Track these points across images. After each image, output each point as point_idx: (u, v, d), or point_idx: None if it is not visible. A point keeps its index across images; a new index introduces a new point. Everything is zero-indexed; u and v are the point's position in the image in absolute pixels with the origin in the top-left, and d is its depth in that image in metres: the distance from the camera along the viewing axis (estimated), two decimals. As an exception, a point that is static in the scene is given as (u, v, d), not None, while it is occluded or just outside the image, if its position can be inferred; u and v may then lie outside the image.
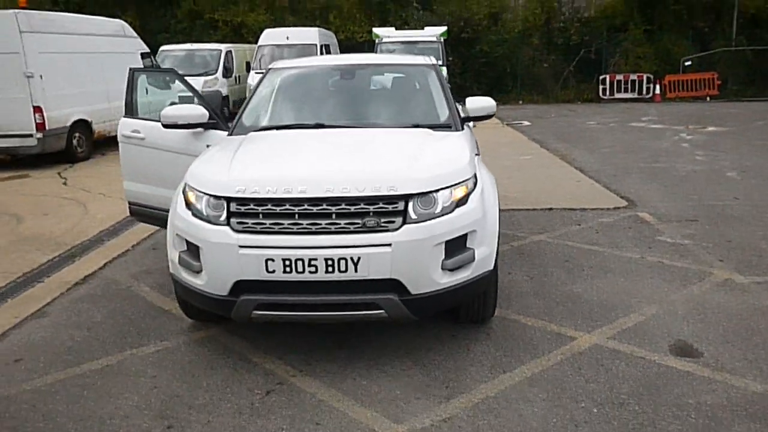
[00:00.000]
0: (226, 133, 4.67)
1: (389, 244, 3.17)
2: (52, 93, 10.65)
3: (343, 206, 3.21)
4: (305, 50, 18.76)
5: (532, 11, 25.09)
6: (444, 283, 3.32)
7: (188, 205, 3.53)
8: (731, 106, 20.04)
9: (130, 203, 5.33)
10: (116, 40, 13.09)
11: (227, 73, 18.73)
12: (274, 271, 3.20)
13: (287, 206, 3.23)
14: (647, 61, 23.20)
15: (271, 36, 18.86)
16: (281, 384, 3.36)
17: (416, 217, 3.25)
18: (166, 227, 5.28)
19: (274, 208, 3.24)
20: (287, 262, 3.18)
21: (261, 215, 3.25)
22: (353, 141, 4.01)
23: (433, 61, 5.05)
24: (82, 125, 11.49)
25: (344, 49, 21.98)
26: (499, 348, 3.72)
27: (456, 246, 3.37)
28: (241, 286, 3.28)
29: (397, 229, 3.21)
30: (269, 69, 5.10)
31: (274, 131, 4.28)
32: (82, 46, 11.63)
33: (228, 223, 3.29)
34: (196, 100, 5.02)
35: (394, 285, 3.23)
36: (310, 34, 19.05)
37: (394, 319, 3.31)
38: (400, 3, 26.02)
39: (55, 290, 4.90)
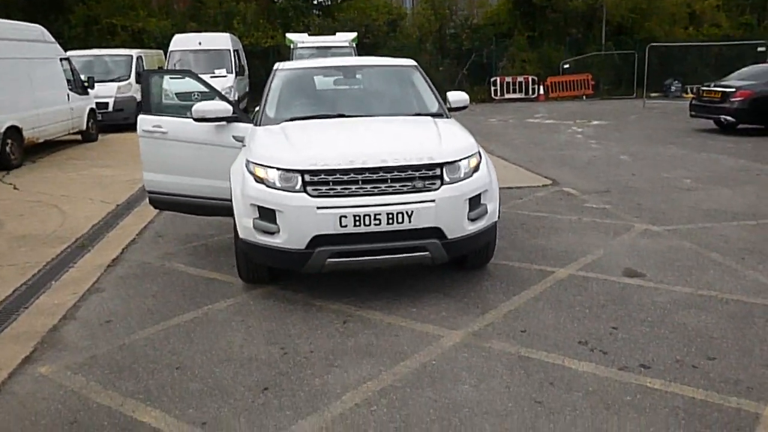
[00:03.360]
0: (248, 125, 5.41)
1: (433, 200, 4.19)
2: (-15, 99, 10.50)
3: (395, 173, 4.18)
4: (218, 55, 19.09)
5: (426, 18, 26.91)
6: (469, 230, 4.39)
7: (259, 180, 4.32)
8: (605, 103, 22.87)
9: (150, 192, 5.89)
10: (38, 46, 12.92)
11: (139, 78, 18.62)
12: (346, 226, 4.10)
13: (352, 175, 4.15)
14: (531, 65, 25.73)
15: (182, 41, 18.94)
16: (351, 316, 4.25)
17: (449, 180, 4.29)
18: (188, 212, 6.01)
19: (342, 176, 4.14)
20: (357, 218, 4.09)
21: (332, 183, 4.14)
22: (381, 126, 4.99)
23: (415, 63, 6.11)
24: (14, 132, 11.34)
25: (249, 55, 22.42)
26: (503, 282, 4.84)
27: (475, 202, 4.45)
28: (317, 240, 4.14)
29: (437, 189, 4.23)
30: (276, 69, 5.91)
31: (305, 121, 5.13)
32: (8, 51, 11.46)
33: (304, 190, 4.14)
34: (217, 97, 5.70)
35: (436, 232, 4.25)
36: (223, 40, 19.37)
37: (434, 259, 4.31)
38: (302, 10, 26.84)
39: (93, 272, 5.40)
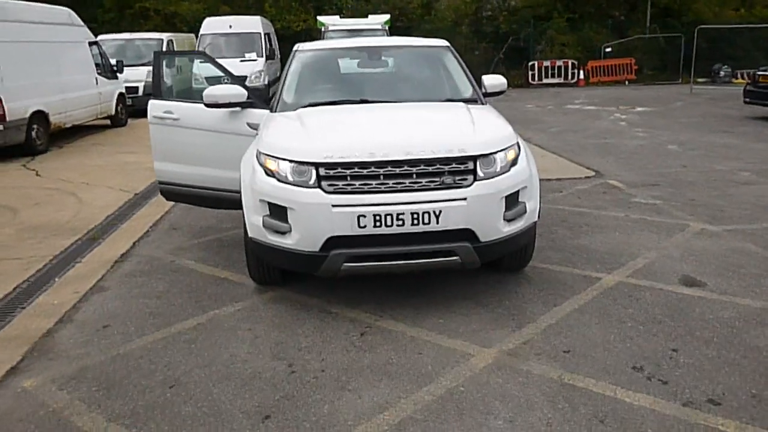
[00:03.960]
0: (264, 111, 4.97)
1: (465, 198, 3.68)
2: (11, 83, 10.31)
3: (422, 167, 3.68)
4: (249, 39, 18.75)
5: (462, 0, 26.06)
6: (505, 232, 3.87)
7: (269, 173, 3.87)
8: (648, 89, 21.79)
9: (161, 183, 5.52)
10: (66, 29, 12.74)
11: (170, 63, 18.38)
12: (365, 227, 3.63)
13: (372, 168, 3.66)
14: (571, 48, 24.72)
15: (213, 25, 18.65)
16: (370, 327, 3.79)
17: (483, 176, 3.77)
18: (201, 205, 5.62)
19: (361, 170, 3.66)
20: (378, 218, 3.61)
21: (349, 177, 3.67)
22: (407, 113, 4.48)
23: (447, 43, 5.56)
24: (40, 117, 11.16)
25: (281, 38, 22.01)
26: (542, 289, 4.31)
27: (513, 200, 3.92)
28: (332, 242, 3.68)
29: (469, 186, 3.72)
30: (296, 51, 5.44)
31: (325, 107, 4.65)
32: (35, 35, 11.28)
33: (319, 186, 3.68)
34: (225, 80, 5.28)
35: (467, 234, 3.74)
36: (254, 23, 19.00)
37: (465, 264, 3.81)
38: (335, -8, 26.30)
39: (100, 268, 5.05)
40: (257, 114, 5.01)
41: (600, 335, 3.62)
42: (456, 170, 3.73)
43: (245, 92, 4.96)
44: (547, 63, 24.17)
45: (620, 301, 4.09)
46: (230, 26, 18.71)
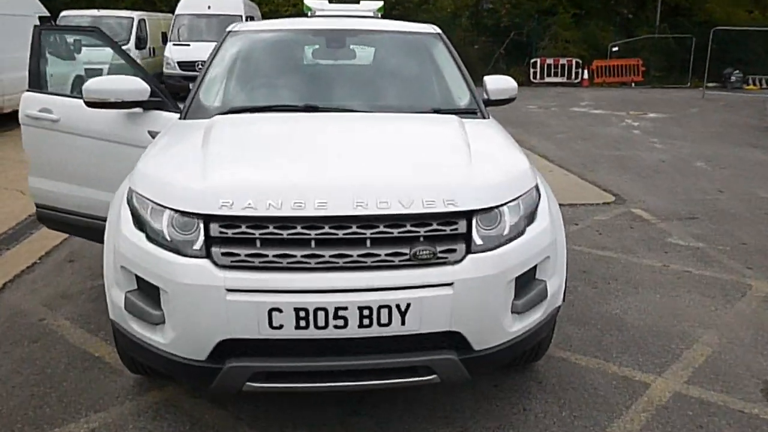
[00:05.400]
0: (176, 115, 3.51)
1: (451, 284, 2.21)
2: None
3: (382, 228, 2.21)
4: (228, 21, 17.09)
5: (462, -10, 24.53)
6: (514, 332, 2.41)
7: (139, 223, 2.39)
8: (657, 92, 20.36)
9: (38, 206, 4.05)
10: (9, 0, 11.14)
11: (140, 44, 16.85)
12: (281, 327, 2.16)
13: (299, 229, 2.19)
14: (575, 46, 23.24)
15: (190, 4, 17.13)
16: (288, 483, 2.34)
17: (481, 243, 2.29)
18: (87, 238, 4.15)
19: (279, 232, 2.18)
20: (302, 313, 2.14)
21: (260, 242, 2.19)
22: (368, 131, 2.97)
23: (438, 30, 4.09)
24: (-34, 100, 9.61)
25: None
26: (562, 405, 2.86)
27: (527, 280, 2.46)
28: (228, 348, 2.22)
29: (459, 261, 2.24)
30: (228, 32, 3.94)
31: (251, 114, 3.17)
32: (-37, 4, 9.71)
33: (208, 254, 2.21)
34: (133, 70, 3.79)
35: (452, 340, 2.28)
36: (235, 4, 17.47)
37: (447, 383, 2.36)
38: (327, -24, 24.69)
39: (-67, 329, 3.57)
40: (165, 119, 3.54)
41: None
42: (438, 235, 2.25)
43: (147, 88, 3.47)
44: (550, 61, 22.70)
45: (686, 436, 2.65)
46: (209, 7, 17.24)
